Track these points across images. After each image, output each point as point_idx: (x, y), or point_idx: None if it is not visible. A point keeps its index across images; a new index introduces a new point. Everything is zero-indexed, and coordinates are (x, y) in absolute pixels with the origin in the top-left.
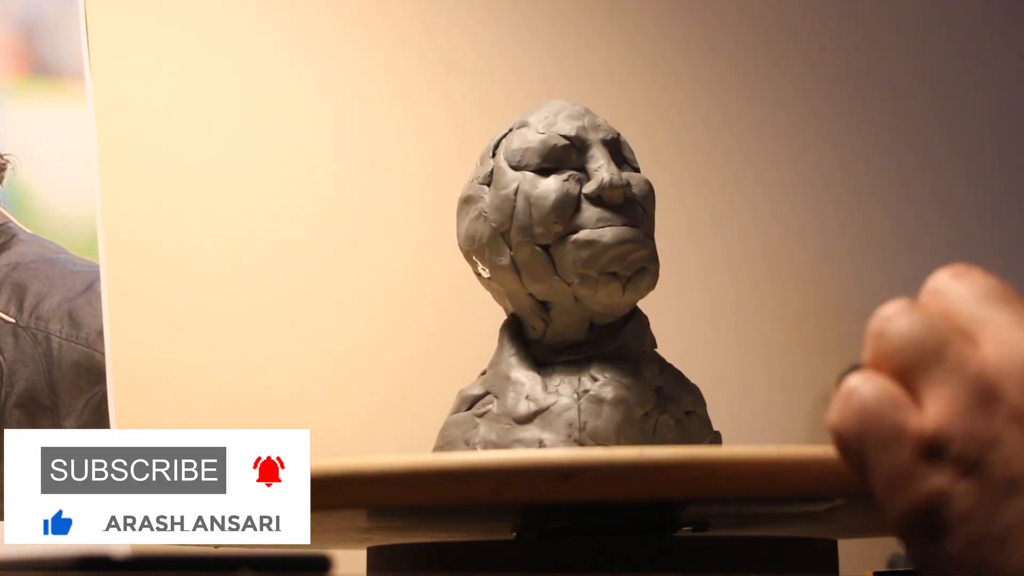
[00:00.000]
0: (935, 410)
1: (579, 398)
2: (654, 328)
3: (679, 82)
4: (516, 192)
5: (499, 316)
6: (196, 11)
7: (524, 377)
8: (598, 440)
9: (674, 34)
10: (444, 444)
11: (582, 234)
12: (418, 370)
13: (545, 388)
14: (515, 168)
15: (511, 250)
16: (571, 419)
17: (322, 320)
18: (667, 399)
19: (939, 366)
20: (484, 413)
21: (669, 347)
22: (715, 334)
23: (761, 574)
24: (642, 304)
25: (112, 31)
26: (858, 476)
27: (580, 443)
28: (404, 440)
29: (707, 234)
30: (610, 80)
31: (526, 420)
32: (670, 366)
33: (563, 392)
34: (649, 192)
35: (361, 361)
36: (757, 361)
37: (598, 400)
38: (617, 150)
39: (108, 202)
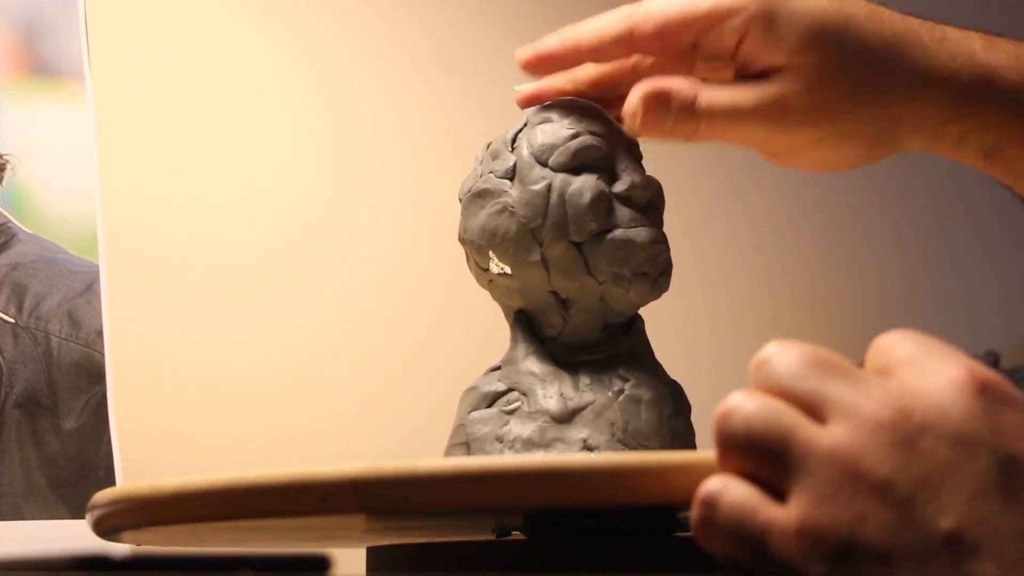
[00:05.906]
0: (796, 501)
1: (616, 397)
2: (652, 329)
3: None
4: (549, 188)
5: (496, 315)
6: (196, 11)
7: (551, 375)
8: (640, 440)
9: None
10: (472, 442)
11: (618, 233)
12: (419, 370)
13: (576, 387)
14: (543, 164)
15: (541, 247)
16: (612, 419)
17: (323, 319)
18: (678, 400)
19: (790, 455)
20: (514, 410)
21: (666, 349)
22: (713, 335)
23: None
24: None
25: (112, 31)
26: None
27: (624, 444)
28: (404, 440)
29: (705, 235)
30: None
31: (565, 419)
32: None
33: (596, 391)
34: (661, 192)
35: (362, 361)
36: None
37: (635, 400)
38: (636, 151)
39: (108, 202)
